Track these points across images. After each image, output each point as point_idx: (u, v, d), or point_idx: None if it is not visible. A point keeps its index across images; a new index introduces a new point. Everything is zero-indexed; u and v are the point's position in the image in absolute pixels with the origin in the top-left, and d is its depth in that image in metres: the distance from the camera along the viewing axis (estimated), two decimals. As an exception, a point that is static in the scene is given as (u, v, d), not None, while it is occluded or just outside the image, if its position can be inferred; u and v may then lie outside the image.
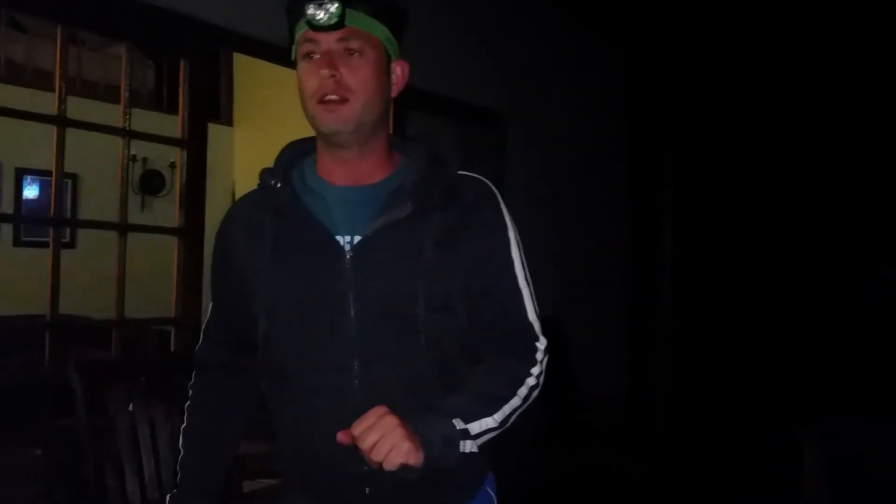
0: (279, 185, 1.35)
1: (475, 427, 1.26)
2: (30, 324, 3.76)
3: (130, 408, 2.18)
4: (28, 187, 5.21)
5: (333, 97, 1.27)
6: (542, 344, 1.38)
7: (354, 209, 1.34)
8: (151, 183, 5.66)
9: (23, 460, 2.62)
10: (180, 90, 3.05)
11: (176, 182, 3.19)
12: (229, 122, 6.38)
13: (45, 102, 2.80)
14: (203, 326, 1.57)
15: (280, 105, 6.09)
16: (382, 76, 1.32)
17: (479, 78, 4.41)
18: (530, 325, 1.38)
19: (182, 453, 1.51)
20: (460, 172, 1.40)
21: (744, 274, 5.49)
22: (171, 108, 4.37)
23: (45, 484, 2.55)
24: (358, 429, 1.15)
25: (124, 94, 2.93)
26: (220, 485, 1.53)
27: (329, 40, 1.28)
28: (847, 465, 3.32)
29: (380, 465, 1.14)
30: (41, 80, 4.67)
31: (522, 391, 1.34)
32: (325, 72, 1.27)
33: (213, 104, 6.06)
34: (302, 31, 1.30)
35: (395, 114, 2.66)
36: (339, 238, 1.32)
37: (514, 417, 1.33)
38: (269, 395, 1.42)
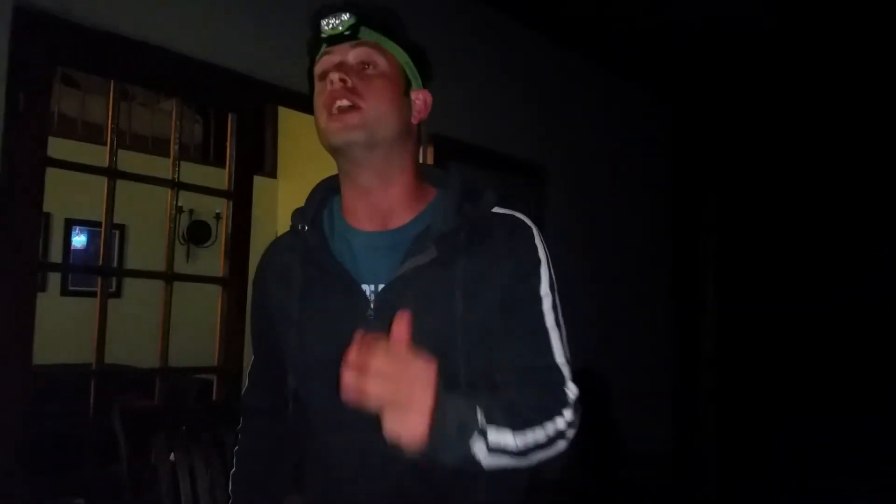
0: (307, 228, 1.32)
1: (494, 434, 1.10)
2: (76, 372, 3.82)
3: (172, 457, 2.19)
4: (76, 237, 5.32)
5: (344, 103, 1.22)
6: (572, 391, 1.23)
7: (381, 255, 1.28)
8: (197, 233, 5.75)
9: (65, 508, 2.63)
10: (227, 144, 3.11)
11: (221, 233, 3.24)
12: (273, 174, 6.49)
13: (96, 155, 2.88)
14: (248, 372, 1.55)
15: (323, 158, 6.18)
16: (399, 96, 1.27)
17: (522, 130, 4.44)
18: (559, 370, 1.25)
19: (231, 499, 1.48)
20: (496, 210, 1.32)
21: (789, 325, 5.39)
22: (218, 161, 4.47)
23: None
24: (373, 362, 0.99)
25: (174, 147, 3.00)
26: None
27: (343, 52, 1.25)
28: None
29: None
30: (92, 134, 4.82)
31: (549, 428, 1.18)
32: (335, 76, 1.22)
33: (259, 157, 6.18)
34: (319, 54, 1.28)
35: (436, 165, 2.67)
36: (364, 286, 1.27)
37: (534, 455, 1.16)
38: (306, 445, 1.38)
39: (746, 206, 5.68)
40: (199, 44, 2.85)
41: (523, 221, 1.32)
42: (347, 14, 1.23)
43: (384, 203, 1.30)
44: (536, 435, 1.16)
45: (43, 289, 4.97)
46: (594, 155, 5.04)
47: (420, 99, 1.32)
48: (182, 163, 3.04)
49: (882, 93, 5.03)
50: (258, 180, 3.98)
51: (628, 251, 5.28)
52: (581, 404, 1.24)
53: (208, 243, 5.76)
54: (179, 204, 3.86)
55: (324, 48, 1.27)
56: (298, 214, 1.36)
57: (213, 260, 4.43)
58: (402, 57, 1.29)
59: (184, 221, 5.63)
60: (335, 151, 1.28)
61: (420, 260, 1.23)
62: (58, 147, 3.02)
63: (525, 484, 1.35)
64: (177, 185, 3.00)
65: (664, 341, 5.67)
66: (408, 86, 1.30)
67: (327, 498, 1.33)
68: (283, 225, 6.41)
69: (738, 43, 4.64)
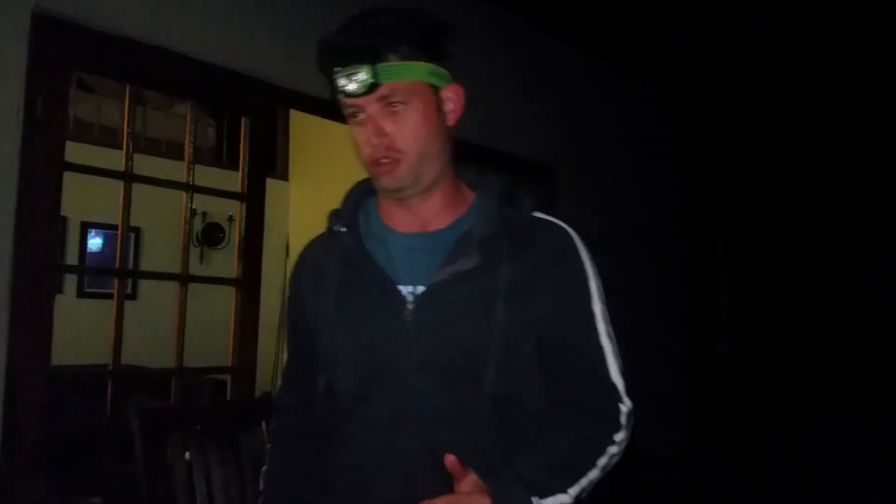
0: (344, 229, 1.33)
1: (551, 502, 1.19)
2: (93, 373, 3.85)
3: (187, 456, 2.22)
4: (92, 240, 5.37)
5: (386, 160, 1.24)
6: (626, 406, 1.28)
7: (418, 257, 1.29)
8: (211, 235, 5.79)
9: (83, 507, 2.67)
10: (240, 147, 3.15)
11: (234, 235, 3.27)
12: (285, 176, 6.52)
13: (111, 159, 2.91)
14: (283, 371, 1.56)
15: (334, 160, 6.20)
16: (433, 116, 1.26)
17: (530, 130, 4.46)
18: (613, 386, 1.28)
19: (262, 497, 1.49)
20: (535, 215, 1.33)
21: (803, 327, 5.36)
22: (231, 164, 4.50)
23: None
24: (450, 500, 1.13)
25: (188, 150, 3.03)
26: None
27: (369, 103, 1.23)
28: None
29: None
30: (108, 138, 4.86)
31: (602, 461, 1.25)
32: (374, 140, 1.23)
33: (271, 160, 6.21)
34: (336, 88, 1.26)
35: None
36: (401, 288, 1.27)
37: (588, 489, 1.24)
38: (331, 450, 1.38)
39: (759, 207, 5.65)
40: (213, 48, 2.88)
41: (566, 231, 1.33)
42: (363, 73, 1.19)
43: (425, 211, 1.32)
44: (590, 476, 1.24)
45: (60, 291, 5.00)
46: (603, 155, 5.04)
47: (451, 97, 1.30)
48: (196, 166, 3.07)
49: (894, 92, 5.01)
50: (270, 182, 4.01)
51: (639, 253, 5.28)
52: (634, 415, 1.29)
53: (222, 245, 5.80)
54: (193, 206, 3.90)
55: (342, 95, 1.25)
56: (335, 216, 1.37)
57: (226, 261, 4.46)
58: (424, 70, 1.25)
59: (198, 224, 5.67)
60: (382, 190, 1.31)
61: (463, 265, 1.23)
62: (74, 151, 3.06)
63: None
64: (191, 188, 3.03)
65: (678, 343, 5.66)
66: (436, 93, 1.28)
67: (352, 494, 1.32)
68: (295, 227, 6.46)
69: (748, 42, 4.63)
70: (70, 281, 5.21)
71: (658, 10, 4.24)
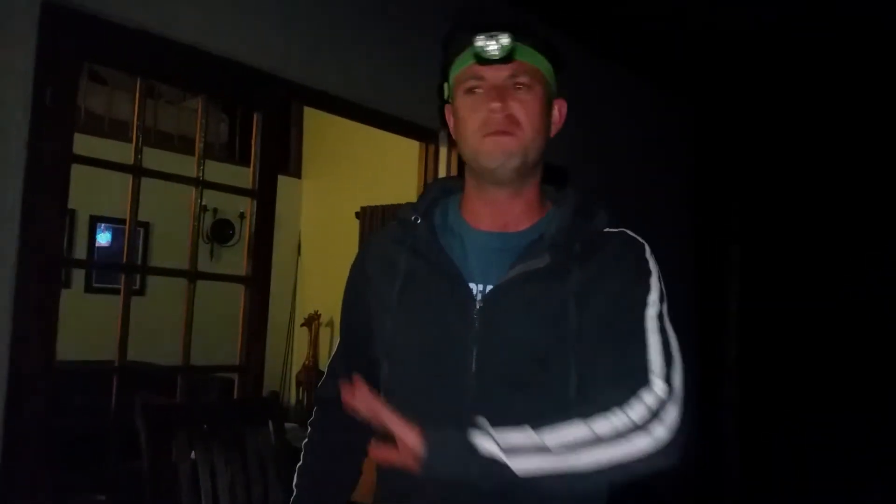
0: (419, 220, 1.31)
1: (502, 435, 1.07)
2: (98, 369, 3.83)
3: (192, 454, 2.19)
4: (100, 234, 5.35)
5: (501, 129, 1.22)
6: (659, 388, 1.12)
7: (493, 256, 1.27)
8: (221, 232, 5.77)
9: (86, 504, 2.64)
10: (253, 142, 3.11)
11: (245, 232, 3.24)
12: (298, 174, 6.51)
13: (121, 152, 2.89)
14: (328, 363, 1.52)
15: (348, 159, 6.20)
16: (547, 114, 1.29)
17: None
18: (647, 369, 1.15)
19: (295, 493, 1.45)
20: (608, 230, 1.32)
21: (813, 331, 5.33)
22: (243, 160, 4.48)
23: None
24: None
25: (199, 145, 3.00)
26: None
27: (498, 75, 1.23)
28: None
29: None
30: (119, 131, 4.84)
31: (601, 425, 1.08)
32: (496, 105, 1.21)
33: (283, 157, 6.20)
34: (465, 65, 1.25)
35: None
36: (472, 285, 1.25)
37: (579, 456, 1.07)
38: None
39: (771, 213, 5.63)
40: (226, 42, 2.85)
41: (635, 238, 1.33)
42: (506, 38, 1.21)
43: (510, 211, 1.30)
44: (575, 432, 1.07)
45: (67, 285, 5.00)
46: (617, 158, 5.00)
47: (558, 110, 1.33)
48: (207, 161, 3.04)
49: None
50: (282, 180, 3.98)
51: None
52: (677, 410, 1.13)
53: (232, 242, 5.78)
54: (204, 202, 3.87)
55: (472, 61, 1.25)
56: (410, 208, 1.35)
57: (236, 259, 4.43)
58: (548, 70, 1.29)
59: (208, 220, 5.65)
60: (482, 169, 1.27)
61: (532, 265, 1.21)
62: (84, 143, 3.04)
63: (605, 497, 1.30)
64: (201, 184, 3.00)
65: (688, 348, 5.60)
66: (551, 98, 1.31)
67: (399, 488, 1.28)
68: (307, 224, 6.44)
69: (763, 47, 4.59)
70: (78, 275, 5.21)
71: (674, 12, 4.20)
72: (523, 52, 1.23)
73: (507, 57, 1.22)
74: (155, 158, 3.32)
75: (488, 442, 1.06)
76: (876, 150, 5.21)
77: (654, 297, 1.25)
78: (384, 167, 5.58)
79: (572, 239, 1.26)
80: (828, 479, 4.87)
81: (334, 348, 1.53)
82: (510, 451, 1.06)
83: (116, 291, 2.85)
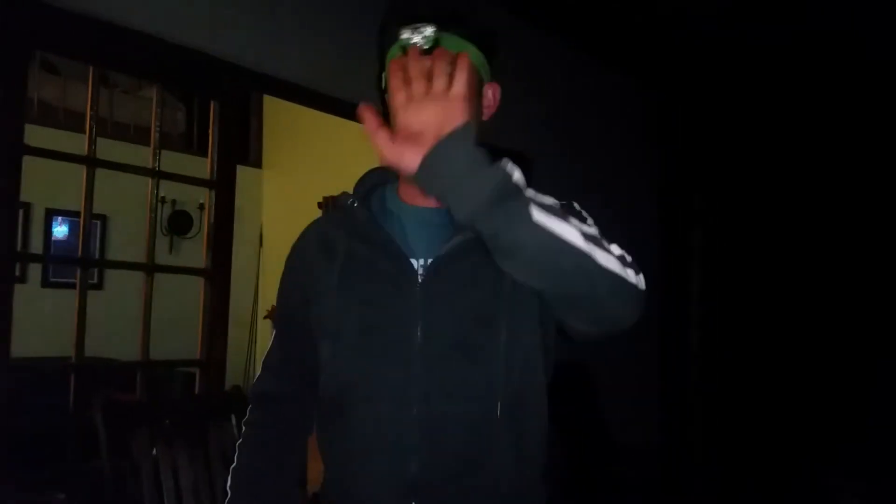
0: (356, 204, 1.33)
1: (532, 193, 1.05)
2: (55, 365, 3.76)
3: (154, 451, 2.15)
4: (57, 228, 5.25)
5: None
6: (640, 274, 1.19)
7: (431, 231, 1.30)
8: (179, 223, 5.68)
9: (46, 503, 2.59)
10: (210, 132, 3.06)
11: (204, 223, 3.19)
12: (258, 164, 6.43)
13: (77, 144, 2.81)
14: (263, 358, 1.50)
15: (309, 149, 6.14)
16: (475, 100, 1.31)
17: (507, 120, 4.39)
18: (621, 257, 1.18)
19: (229, 496, 1.41)
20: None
21: (774, 316, 5.40)
22: (201, 151, 4.41)
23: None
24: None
25: (154, 134, 2.94)
26: None
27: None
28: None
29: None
30: (73, 122, 4.73)
31: (613, 249, 1.14)
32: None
33: (243, 147, 6.12)
34: (394, 56, 1.26)
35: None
36: (413, 261, 1.27)
37: (597, 250, 1.10)
38: (323, 426, 1.34)
39: (733, 199, 5.68)
40: (182, 29, 2.79)
41: (573, 204, 1.38)
42: (430, 29, 1.22)
43: None
44: (590, 228, 1.12)
45: (23, 280, 4.89)
46: (581, 146, 5.01)
47: (490, 94, 1.36)
48: (164, 152, 2.98)
49: (873, 88, 5.02)
50: (243, 170, 3.93)
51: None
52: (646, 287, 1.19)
53: (191, 234, 5.70)
54: (162, 194, 3.80)
55: (400, 53, 1.26)
56: (346, 194, 1.37)
57: (196, 251, 4.36)
58: (477, 57, 1.31)
59: (166, 212, 5.56)
60: None
61: (469, 234, 1.21)
62: (38, 135, 2.97)
63: (545, 459, 1.32)
64: (157, 174, 2.94)
65: (650, 334, 5.66)
66: (480, 83, 1.33)
67: (348, 469, 1.29)
68: (269, 215, 6.37)
69: (729, 35, 4.62)
70: (34, 270, 5.10)
71: (642, 2, 4.20)
72: (449, 42, 1.24)
73: (431, 49, 1.21)
74: (111, 149, 3.24)
75: (516, 171, 1.04)
76: (845, 139, 5.28)
77: (590, 223, 1.28)
78: (346, 156, 5.50)
79: None
80: (793, 463, 4.94)
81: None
82: (538, 205, 1.05)
83: (74, 286, 2.79)
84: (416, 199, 1.32)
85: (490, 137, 4.04)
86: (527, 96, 4.57)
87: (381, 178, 1.41)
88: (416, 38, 1.22)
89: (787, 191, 5.47)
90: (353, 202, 1.33)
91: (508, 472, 1.24)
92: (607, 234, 1.26)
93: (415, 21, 1.24)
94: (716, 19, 4.36)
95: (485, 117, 1.36)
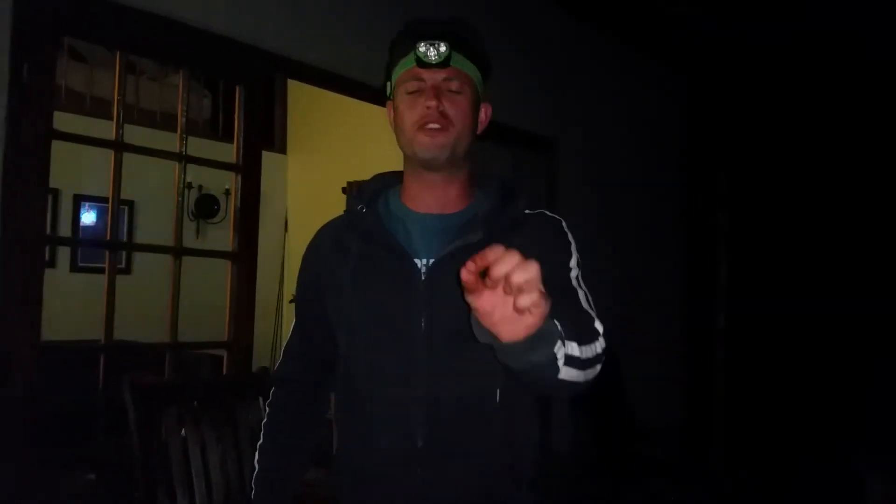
0: (364, 209, 1.47)
1: (568, 343, 1.18)
2: (85, 348, 3.81)
3: (183, 432, 2.17)
4: (85, 213, 5.30)
5: (435, 125, 1.39)
6: (600, 326, 1.33)
7: (433, 235, 1.44)
8: (206, 207, 5.73)
9: (76, 483, 2.63)
10: (235, 115, 3.08)
11: (230, 209, 3.21)
12: (283, 150, 6.46)
13: (105, 130, 2.84)
14: (284, 345, 1.64)
15: (333, 134, 6.15)
16: (475, 114, 1.46)
17: (533, 103, 4.39)
18: (588, 312, 1.37)
19: (257, 469, 1.58)
20: (528, 211, 1.50)
21: (801, 297, 5.36)
22: (226, 137, 4.42)
23: (99, 506, 2.55)
24: (496, 257, 1.05)
25: (181, 119, 2.96)
26: (293, 500, 1.59)
27: (435, 77, 1.41)
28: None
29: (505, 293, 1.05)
30: (101, 109, 4.77)
31: (598, 346, 1.27)
32: (432, 103, 1.39)
33: (268, 132, 6.14)
34: (407, 67, 1.42)
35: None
36: (416, 260, 1.42)
37: (591, 371, 1.25)
38: (339, 405, 1.49)
39: (760, 184, 5.64)
40: (207, 13, 2.81)
41: (553, 215, 1.52)
42: (444, 46, 1.40)
43: (445, 195, 1.47)
44: (594, 348, 1.27)
45: (52, 265, 4.95)
46: (606, 128, 4.99)
47: (484, 112, 1.51)
48: (190, 138, 3.00)
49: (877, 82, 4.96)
50: (268, 156, 3.94)
51: (640, 225, 5.24)
52: (607, 339, 1.33)
53: (217, 219, 5.74)
54: (189, 180, 3.83)
55: (414, 65, 1.42)
56: (355, 198, 1.50)
57: (222, 235, 4.40)
58: (477, 76, 1.46)
59: (192, 197, 5.60)
60: (417, 159, 1.44)
61: (468, 240, 1.38)
62: (66, 122, 3.00)
63: (538, 436, 1.48)
64: (184, 159, 2.96)
65: (677, 315, 5.64)
66: (478, 101, 1.48)
67: (360, 441, 1.44)
68: (293, 200, 6.40)
69: (754, 17, 4.56)
70: (63, 255, 5.16)
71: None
72: (457, 60, 1.41)
73: (443, 62, 1.40)
74: (137, 135, 3.28)
75: (560, 350, 1.17)
76: (867, 121, 5.23)
77: (573, 262, 1.44)
78: (370, 141, 5.51)
79: (501, 216, 1.44)
80: (812, 445, 4.92)
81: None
82: (568, 360, 1.19)
83: (102, 270, 2.82)
84: (419, 206, 1.48)
85: (517, 120, 4.06)
86: (553, 80, 4.56)
87: (385, 183, 1.55)
88: (431, 53, 1.40)
89: (811, 172, 5.43)
90: (361, 207, 1.47)
91: (500, 450, 1.39)
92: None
93: (430, 37, 1.40)
94: (740, 13, 4.32)
95: (478, 132, 1.49)
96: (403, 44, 1.44)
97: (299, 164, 6.45)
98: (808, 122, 5.39)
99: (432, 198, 1.47)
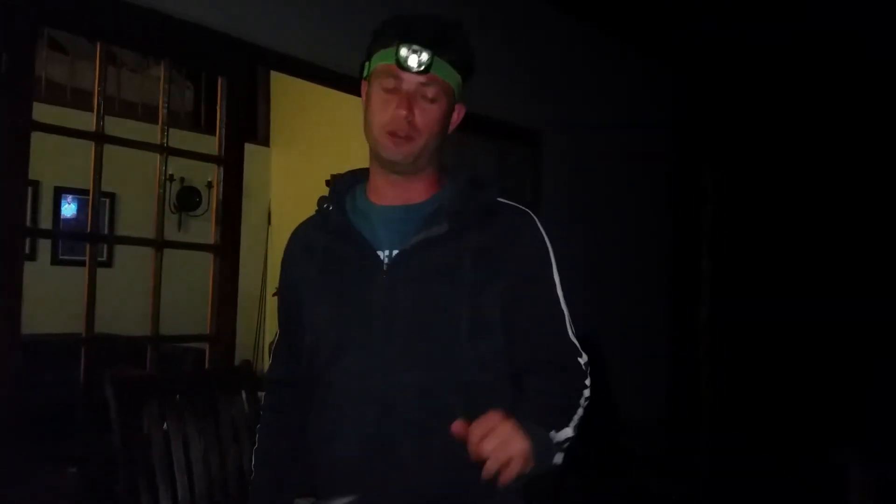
0: (331, 207, 1.49)
1: (560, 437, 1.35)
2: (65, 341, 3.78)
3: (165, 426, 2.16)
4: (66, 206, 5.26)
5: (402, 134, 1.39)
6: (584, 359, 1.47)
7: (397, 227, 1.45)
8: (188, 200, 5.69)
9: (57, 477, 2.61)
10: (218, 107, 3.05)
11: (212, 201, 3.19)
12: (266, 142, 6.42)
13: (86, 122, 2.82)
14: (272, 348, 1.68)
15: (317, 127, 6.12)
16: (446, 120, 1.46)
17: (517, 96, 4.38)
18: (573, 344, 1.47)
19: (254, 474, 1.59)
20: (500, 199, 1.50)
21: (783, 293, 5.39)
22: (209, 130, 4.39)
23: (79, 501, 2.53)
24: (477, 431, 1.21)
25: (162, 111, 2.94)
26: (289, 501, 1.59)
27: (412, 82, 1.39)
28: (894, 487, 3.21)
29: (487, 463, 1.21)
30: (81, 101, 4.73)
31: (583, 402, 1.42)
32: (402, 112, 1.38)
33: (251, 125, 6.10)
34: (387, 62, 1.40)
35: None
36: (379, 252, 1.43)
37: (579, 425, 1.40)
38: (312, 402, 1.51)
39: (745, 181, 5.67)
40: (188, 4, 2.78)
41: (525, 210, 1.51)
42: (426, 55, 1.37)
43: (408, 189, 1.49)
44: (579, 413, 1.41)
45: (33, 258, 4.91)
46: (592, 122, 4.98)
47: (457, 114, 1.50)
48: (172, 130, 2.98)
49: (888, 69, 4.98)
50: (251, 148, 3.93)
51: (625, 219, 5.25)
52: (590, 366, 1.47)
53: (199, 212, 5.70)
54: (170, 172, 3.80)
55: (393, 62, 1.39)
56: (323, 198, 1.52)
57: (204, 228, 4.37)
58: (457, 81, 1.45)
59: (174, 189, 5.57)
60: (380, 159, 1.46)
61: (434, 232, 1.40)
62: (46, 113, 2.99)
63: None
64: (165, 151, 2.94)
65: (661, 309, 5.66)
66: (453, 106, 1.47)
67: (325, 431, 1.45)
68: (277, 193, 6.37)
69: (740, 11, 4.57)
70: (44, 248, 5.11)
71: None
72: (438, 67, 1.39)
73: (423, 71, 1.39)
74: (119, 127, 3.25)
75: (559, 454, 1.36)
76: (856, 116, 5.26)
77: (555, 272, 1.48)
78: (355, 134, 5.44)
79: (467, 207, 1.44)
80: (797, 437, 4.95)
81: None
82: (564, 450, 1.37)
83: (83, 263, 2.80)
84: (383, 199, 1.49)
85: (497, 113, 4.04)
86: (538, 74, 4.55)
87: (352, 180, 1.56)
88: (413, 61, 1.37)
89: (796, 167, 5.45)
90: (327, 206, 1.49)
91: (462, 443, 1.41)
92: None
93: (415, 40, 1.38)
94: (728, 9, 4.33)
95: (449, 132, 1.50)
96: (387, 35, 1.42)
97: (283, 157, 6.41)
98: (801, 119, 5.40)
99: (395, 192, 1.48)
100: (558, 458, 1.34)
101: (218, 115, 3.05)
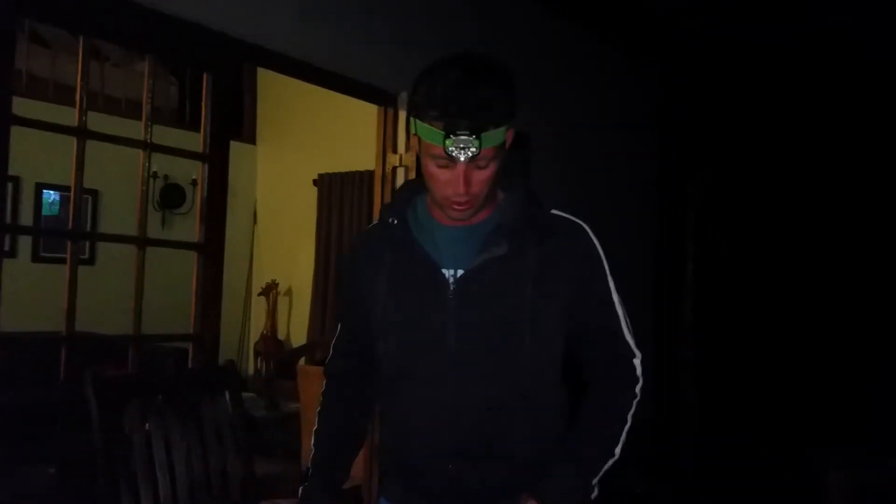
0: (396, 222, 1.55)
1: (603, 471, 1.53)
2: (46, 340, 3.73)
3: (146, 426, 2.13)
4: (47, 203, 5.21)
5: (462, 201, 1.44)
6: (639, 359, 1.59)
7: (459, 246, 1.52)
8: (172, 197, 5.64)
9: (37, 477, 2.57)
10: (203, 104, 3.02)
11: (197, 199, 3.16)
12: (252, 140, 6.39)
13: (68, 117, 2.78)
14: (333, 342, 1.78)
15: (303, 125, 6.09)
16: (500, 165, 1.46)
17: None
18: (628, 345, 1.59)
19: (314, 452, 1.70)
20: (554, 212, 1.58)
21: (768, 297, 5.42)
22: (193, 126, 4.35)
23: (59, 501, 2.50)
24: None
25: (146, 107, 2.90)
26: (345, 480, 1.72)
27: (464, 162, 1.40)
28: (873, 491, 3.21)
29: None
30: (64, 96, 4.68)
31: (631, 413, 1.56)
32: (462, 190, 1.41)
33: (237, 122, 6.06)
34: (434, 142, 1.39)
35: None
36: (444, 271, 1.52)
37: (625, 437, 1.56)
38: (382, 401, 1.64)
39: (729, 185, 5.69)
40: (173, -1, 2.74)
41: (581, 224, 1.59)
42: (474, 147, 1.37)
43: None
44: (625, 429, 1.56)
45: (13, 255, 4.86)
46: (580, 124, 4.98)
47: (510, 136, 1.48)
48: (156, 126, 2.94)
49: (872, 73, 5.00)
50: (236, 146, 3.89)
51: (610, 223, 5.23)
52: (645, 362, 1.60)
53: (184, 209, 5.66)
54: (154, 169, 3.75)
55: (442, 145, 1.38)
56: (387, 210, 1.59)
57: (188, 226, 4.33)
58: (503, 133, 1.43)
59: (158, 186, 5.52)
60: (444, 212, 1.51)
61: (494, 252, 1.48)
62: (28, 108, 2.94)
63: (562, 430, 1.61)
64: (149, 147, 2.90)
65: (645, 312, 5.66)
66: (504, 150, 1.47)
67: (399, 436, 1.58)
68: (263, 191, 6.34)
69: (728, 16, 4.58)
70: (24, 245, 5.06)
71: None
72: (488, 141, 1.39)
73: (474, 156, 1.39)
74: (103, 123, 3.21)
75: (587, 479, 1.54)
76: (842, 121, 5.28)
77: (610, 279, 1.58)
78: (342, 133, 5.46)
79: (525, 226, 1.51)
80: (781, 438, 4.97)
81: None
82: (595, 474, 1.55)
83: (64, 261, 2.75)
84: (445, 219, 1.54)
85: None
86: (526, 75, 4.53)
87: (413, 192, 1.62)
88: (462, 157, 1.38)
89: (782, 173, 5.48)
90: (392, 220, 1.56)
91: (524, 444, 1.52)
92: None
93: (459, 125, 1.36)
94: (716, 13, 4.33)
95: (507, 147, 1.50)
96: (430, 117, 1.39)
97: (269, 155, 6.38)
98: (800, 119, 5.42)
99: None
100: (596, 490, 1.54)
101: (203, 112, 3.02)
